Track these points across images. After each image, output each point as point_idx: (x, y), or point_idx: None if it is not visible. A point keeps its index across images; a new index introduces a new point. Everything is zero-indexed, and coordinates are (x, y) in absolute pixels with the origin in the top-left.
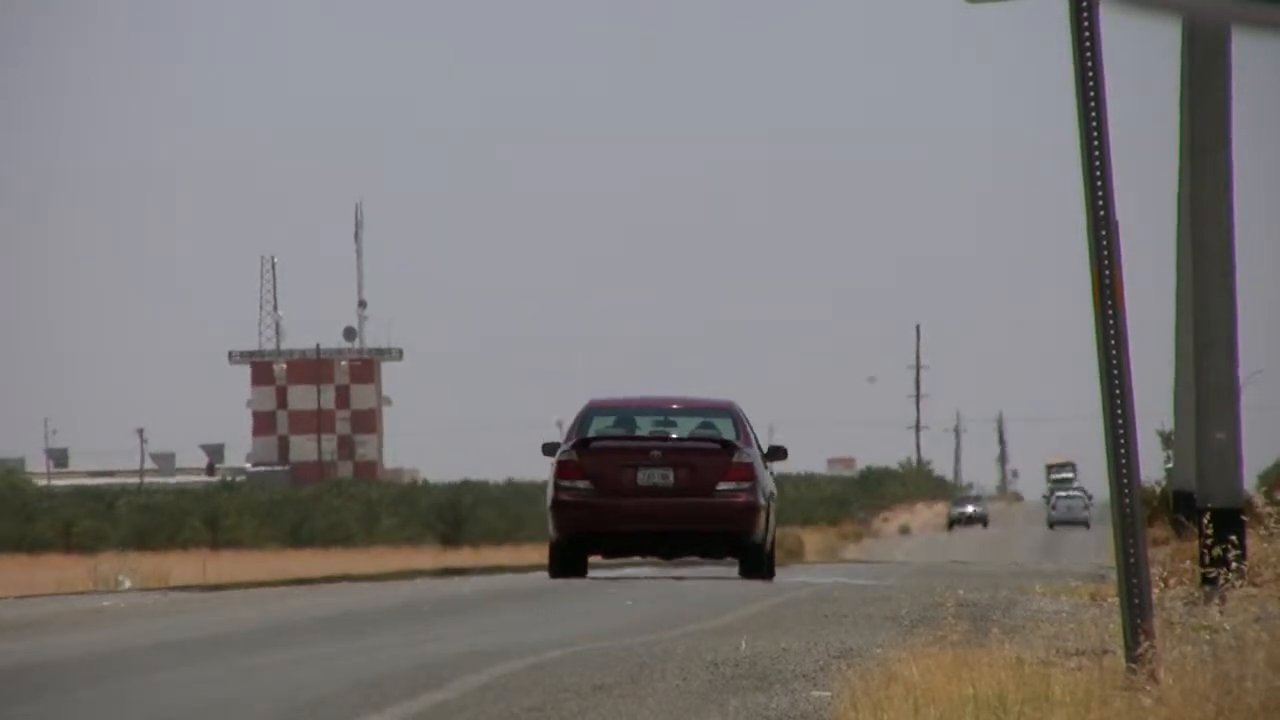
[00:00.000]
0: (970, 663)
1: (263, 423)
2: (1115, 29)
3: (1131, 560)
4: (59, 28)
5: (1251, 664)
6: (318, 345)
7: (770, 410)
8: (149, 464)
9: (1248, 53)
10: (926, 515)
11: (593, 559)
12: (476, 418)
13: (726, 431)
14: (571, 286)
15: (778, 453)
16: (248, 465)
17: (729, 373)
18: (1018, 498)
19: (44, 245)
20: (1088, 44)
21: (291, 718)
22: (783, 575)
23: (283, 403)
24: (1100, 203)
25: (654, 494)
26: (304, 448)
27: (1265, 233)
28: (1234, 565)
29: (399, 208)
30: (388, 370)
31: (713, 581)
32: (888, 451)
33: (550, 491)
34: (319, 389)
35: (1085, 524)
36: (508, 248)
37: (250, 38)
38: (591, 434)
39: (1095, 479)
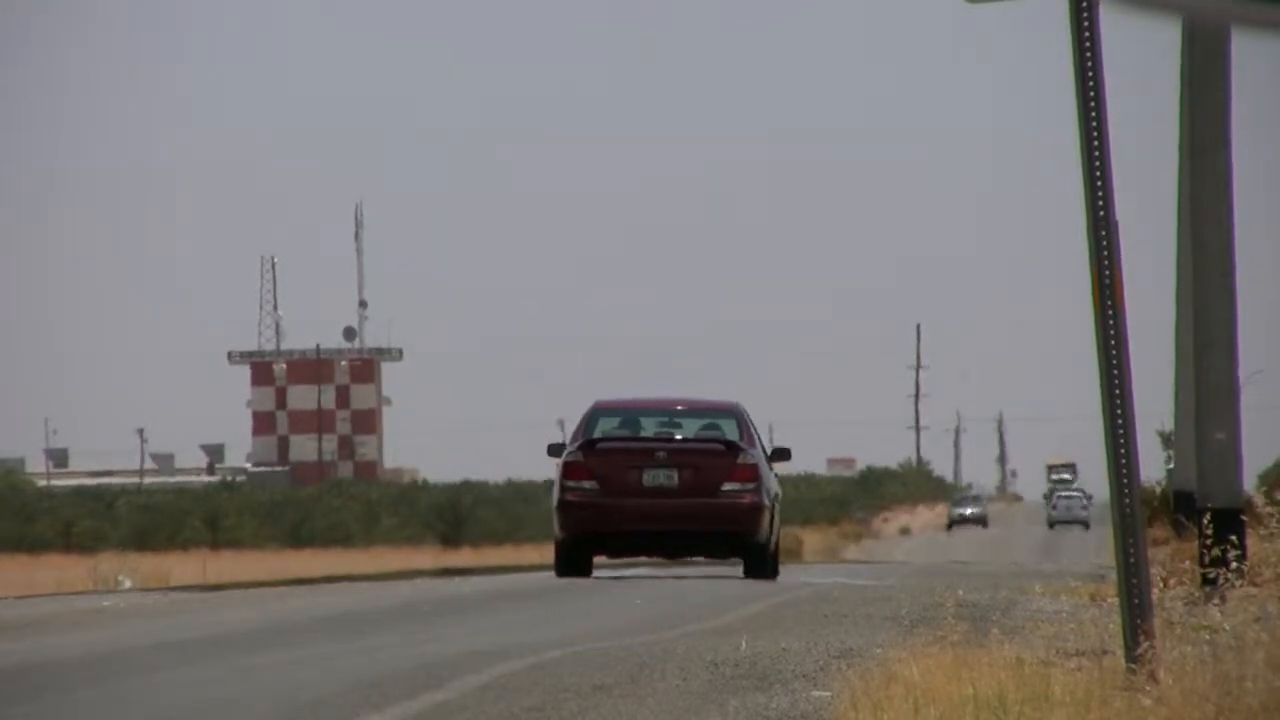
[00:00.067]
0: (970, 663)
1: (263, 423)
2: (1115, 29)
3: (1131, 560)
4: (59, 28)
5: (1251, 664)
6: (318, 345)
7: (770, 410)
8: (149, 464)
9: (1248, 53)
10: (926, 515)
11: (597, 559)
12: (476, 418)
13: (731, 432)
14: (571, 286)
15: (781, 454)
16: (248, 465)
17: (729, 373)
18: (1017, 498)
19: (44, 245)
20: (1088, 44)
21: (291, 718)
22: (783, 575)
23: (283, 403)
24: (1100, 203)
25: (659, 494)
26: (304, 448)
27: (1265, 233)
28: (1234, 565)
29: (399, 208)
30: (388, 370)
31: (713, 581)
32: (888, 451)
33: (556, 492)
34: (319, 389)
35: (1085, 524)
36: (508, 248)
37: (250, 38)
38: (597, 435)
39: (1095, 479)
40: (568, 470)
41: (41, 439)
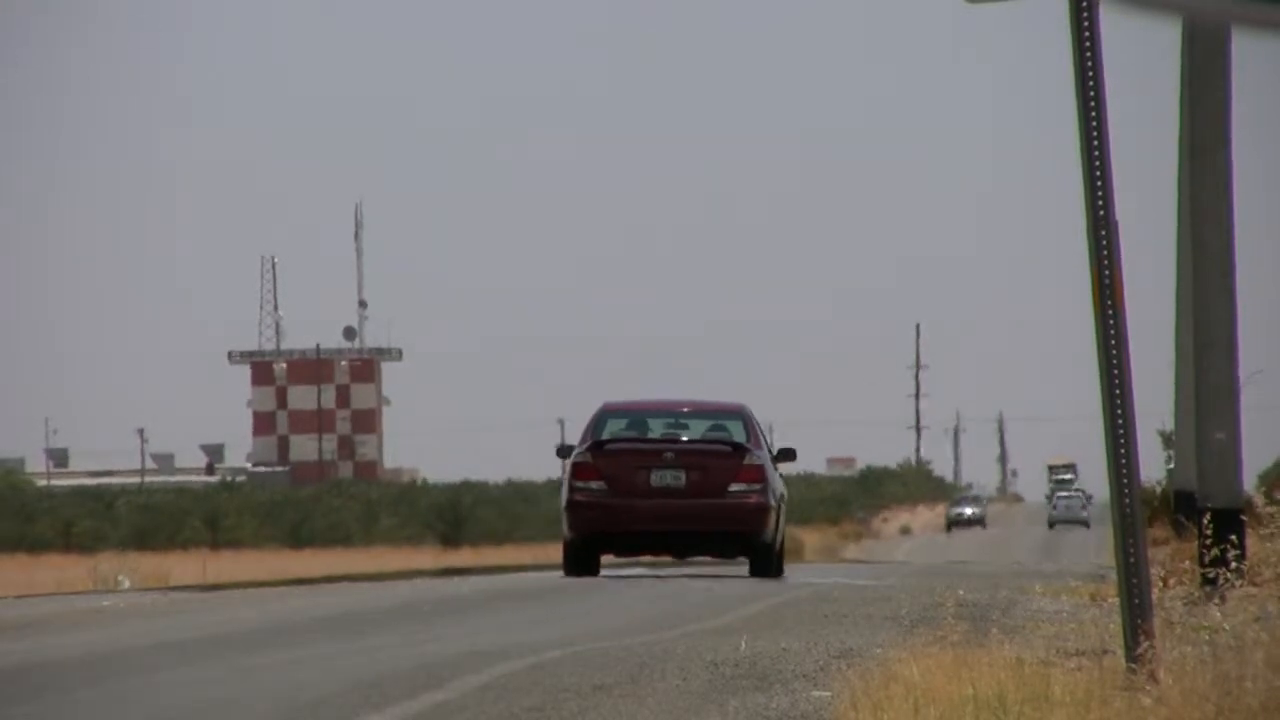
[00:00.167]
0: (970, 663)
1: (263, 423)
2: (1115, 29)
3: (1131, 560)
4: (59, 28)
5: (1251, 664)
6: (318, 345)
7: (770, 410)
8: (149, 464)
9: (1248, 53)
10: (926, 515)
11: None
12: (476, 418)
13: (737, 434)
14: (571, 286)
15: (787, 454)
16: (248, 465)
17: (729, 373)
18: (1018, 498)
19: (44, 245)
20: (1088, 44)
21: (291, 718)
22: (785, 575)
23: (283, 403)
24: (1100, 203)
25: (666, 495)
26: (304, 448)
27: (1265, 233)
28: (1234, 565)
29: (399, 208)
30: (388, 370)
31: (713, 581)
32: (888, 451)
33: (565, 492)
34: (319, 389)
35: (1085, 523)
36: (508, 248)
37: (250, 38)
38: (605, 436)
39: (1095, 479)
40: (576, 471)
41: (41, 439)
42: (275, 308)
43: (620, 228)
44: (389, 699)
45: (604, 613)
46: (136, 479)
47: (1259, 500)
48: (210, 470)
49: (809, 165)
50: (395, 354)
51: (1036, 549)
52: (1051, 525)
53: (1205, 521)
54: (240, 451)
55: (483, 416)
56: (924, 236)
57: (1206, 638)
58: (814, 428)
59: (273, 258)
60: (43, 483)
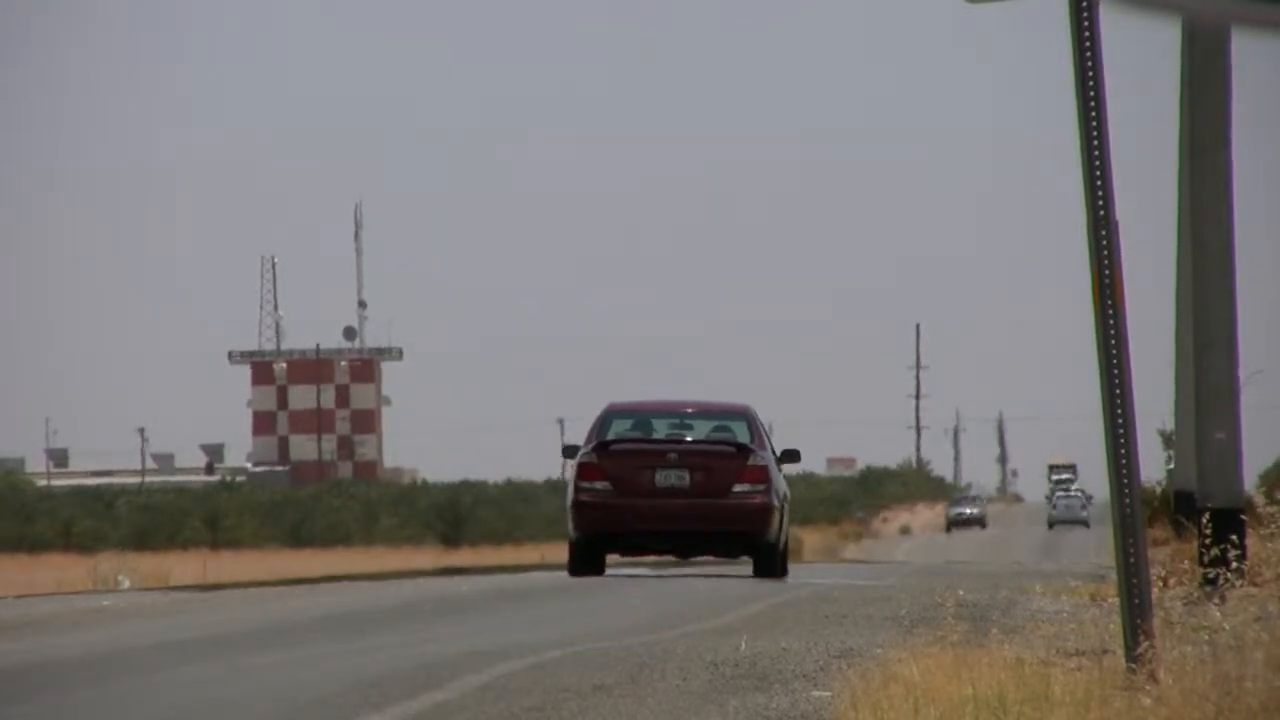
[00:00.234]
0: (970, 663)
1: (263, 423)
2: (1115, 29)
3: (1131, 560)
4: (59, 28)
5: (1251, 664)
6: (318, 345)
7: (770, 410)
8: (149, 464)
9: (1248, 53)
10: (926, 515)
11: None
12: (476, 418)
13: (741, 435)
14: (571, 286)
15: (791, 455)
16: (248, 465)
17: (729, 373)
18: (1017, 498)
19: (44, 245)
20: (1088, 44)
21: (291, 718)
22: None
23: (283, 403)
24: (1100, 203)
25: (671, 495)
26: (304, 448)
27: (1265, 233)
28: (1234, 565)
29: (399, 208)
30: (388, 370)
31: (714, 581)
32: (888, 451)
33: (570, 492)
34: (319, 389)
35: (1084, 523)
36: (508, 248)
37: (250, 38)
38: (610, 436)
39: (1095, 479)
40: (582, 471)
41: (41, 439)
42: (275, 308)
43: (620, 228)
44: (389, 699)
45: (604, 613)
46: (136, 479)
47: (1259, 500)
48: (210, 470)
49: (809, 165)
50: (395, 354)
51: (1036, 549)
52: (1051, 525)
53: (1205, 521)
54: (240, 451)
55: (483, 416)
56: (924, 236)
57: (1206, 638)
58: (814, 428)
59: (273, 258)
60: (43, 483)
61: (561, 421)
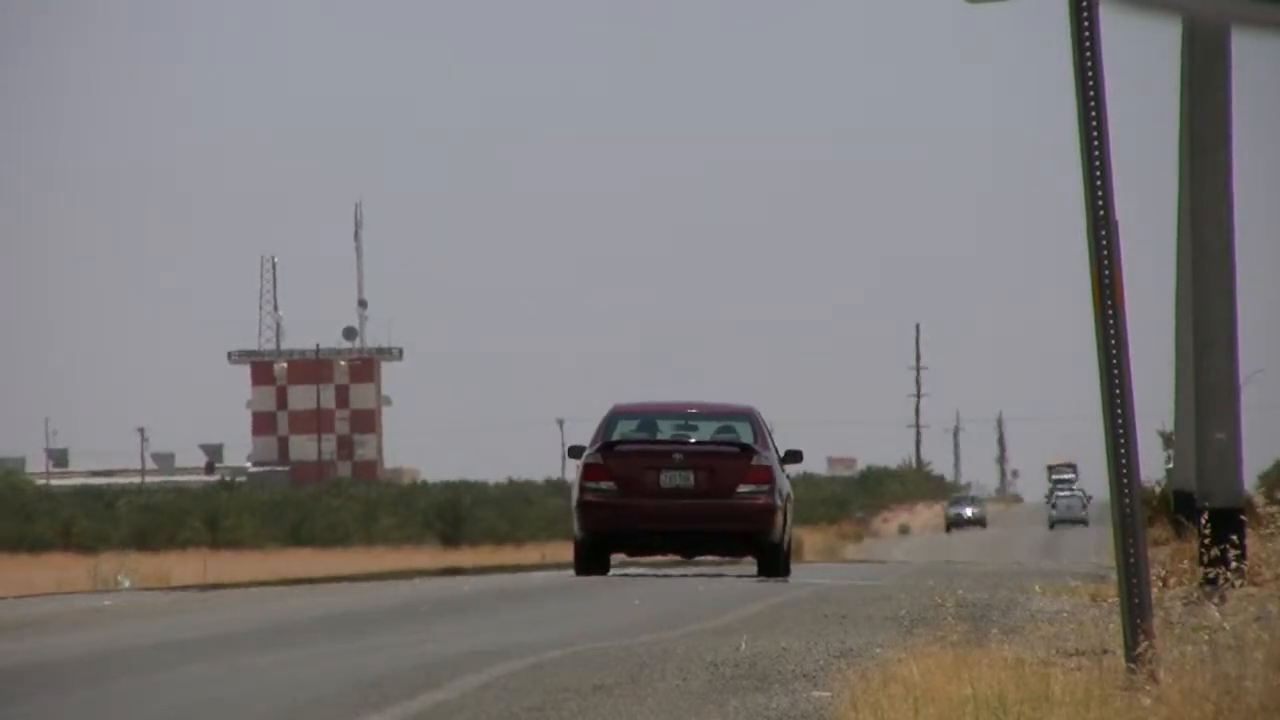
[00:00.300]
0: (970, 663)
1: (263, 423)
2: (1115, 29)
3: (1131, 560)
4: (59, 28)
5: (1251, 664)
6: (318, 345)
7: (770, 410)
8: (149, 464)
9: (1248, 53)
10: (926, 515)
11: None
12: (476, 418)
13: (745, 436)
14: (571, 286)
15: (794, 456)
16: (248, 465)
17: (729, 373)
18: (1016, 499)
19: (44, 245)
20: (1088, 44)
21: (291, 718)
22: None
23: (283, 403)
24: (1100, 203)
25: (676, 495)
26: (304, 448)
27: (1265, 233)
28: (1234, 565)
29: (399, 208)
30: (387, 370)
31: (714, 581)
32: (888, 451)
33: (576, 492)
34: (319, 389)
35: (1084, 523)
36: (508, 248)
37: (250, 38)
38: (616, 437)
39: (1095, 479)
40: (587, 471)
41: (41, 439)
42: (275, 308)
43: (620, 228)
44: (389, 699)
45: (604, 612)
46: (136, 479)
47: (1259, 500)
48: (210, 470)
49: (809, 165)
50: (395, 354)
51: (1036, 549)
52: (1051, 525)
53: (1205, 521)
54: (240, 451)
55: (483, 416)
56: (924, 236)
57: (1206, 637)
58: (814, 428)
59: (273, 258)
60: (43, 483)
61: (561, 422)
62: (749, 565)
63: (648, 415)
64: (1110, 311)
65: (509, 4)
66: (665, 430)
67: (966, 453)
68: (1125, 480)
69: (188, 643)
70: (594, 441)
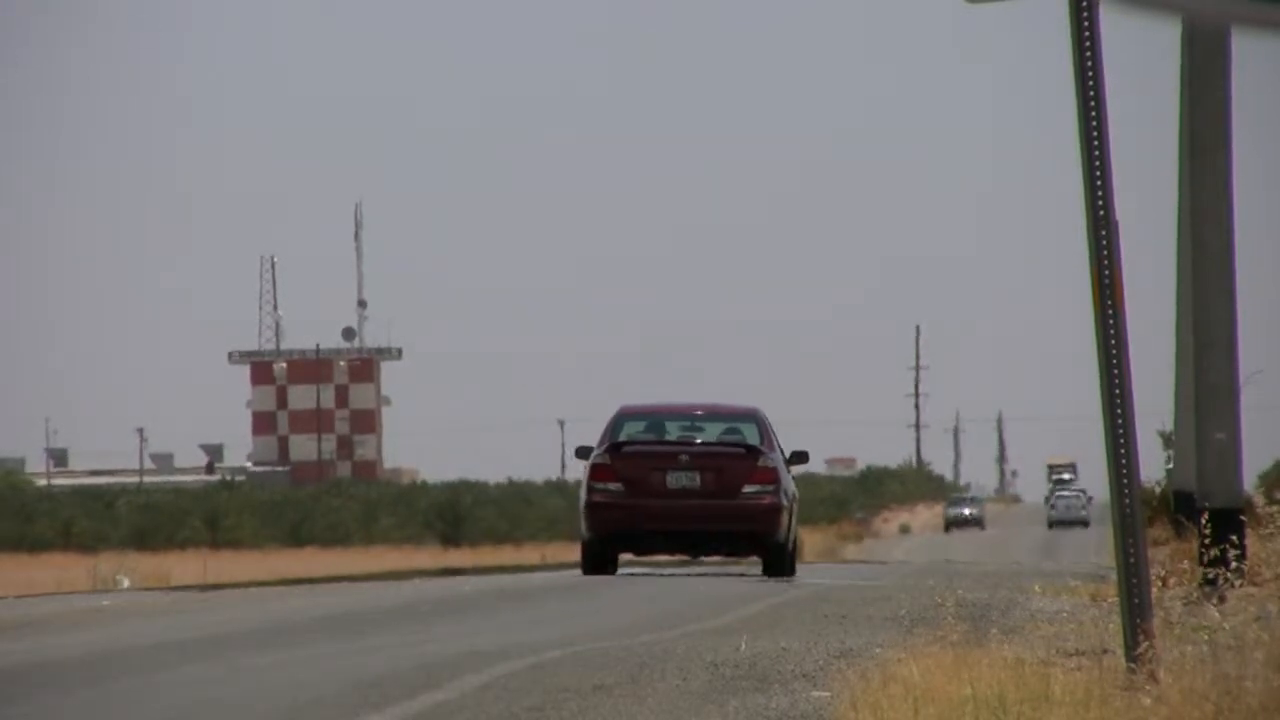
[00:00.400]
0: (970, 663)
1: (262, 423)
2: (1115, 29)
3: (1131, 560)
4: (59, 28)
5: (1251, 664)
6: (317, 345)
7: (770, 410)
8: (149, 464)
9: (1248, 53)
10: (926, 515)
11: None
12: (476, 418)
13: (751, 437)
14: (571, 286)
15: (800, 457)
16: (248, 465)
17: (730, 373)
18: (1016, 499)
19: (44, 245)
20: (1088, 44)
21: (291, 718)
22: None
23: (282, 403)
24: (1100, 203)
25: (682, 496)
26: (304, 448)
27: (1265, 233)
28: (1234, 565)
29: (399, 208)
30: (387, 370)
31: (714, 581)
32: (888, 451)
33: (583, 493)
34: (319, 389)
35: (1084, 523)
36: (508, 248)
37: (250, 38)
38: (623, 439)
39: (1095, 479)
40: (594, 472)
41: (41, 439)
42: (275, 308)
43: (620, 228)
44: (389, 699)
45: (604, 612)
46: (136, 479)
47: (1259, 500)
48: (210, 470)
49: (809, 165)
50: (395, 354)
51: (1036, 549)
52: (1051, 525)
53: (1205, 521)
54: (240, 451)
55: (483, 416)
56: (924, 236)
57: (1206, 637)
58: (814, 428)
59: (273, 258)
60: (43, 483)
61: (562, 422)
62: (753, 565)
63: (654, 416)
64: (1110, 311)
65: (509, 4)
66: (672, 431)
67: (966, 453)
68: (1125, 480)
69: (188, 643)
70: (601, 442)
